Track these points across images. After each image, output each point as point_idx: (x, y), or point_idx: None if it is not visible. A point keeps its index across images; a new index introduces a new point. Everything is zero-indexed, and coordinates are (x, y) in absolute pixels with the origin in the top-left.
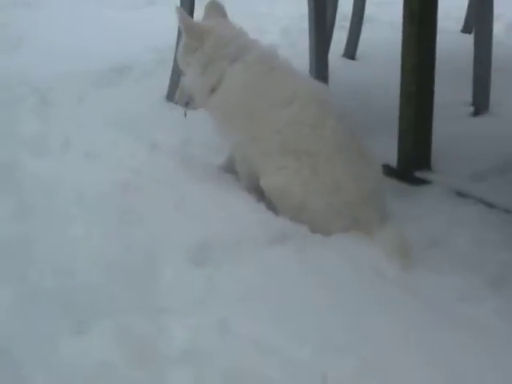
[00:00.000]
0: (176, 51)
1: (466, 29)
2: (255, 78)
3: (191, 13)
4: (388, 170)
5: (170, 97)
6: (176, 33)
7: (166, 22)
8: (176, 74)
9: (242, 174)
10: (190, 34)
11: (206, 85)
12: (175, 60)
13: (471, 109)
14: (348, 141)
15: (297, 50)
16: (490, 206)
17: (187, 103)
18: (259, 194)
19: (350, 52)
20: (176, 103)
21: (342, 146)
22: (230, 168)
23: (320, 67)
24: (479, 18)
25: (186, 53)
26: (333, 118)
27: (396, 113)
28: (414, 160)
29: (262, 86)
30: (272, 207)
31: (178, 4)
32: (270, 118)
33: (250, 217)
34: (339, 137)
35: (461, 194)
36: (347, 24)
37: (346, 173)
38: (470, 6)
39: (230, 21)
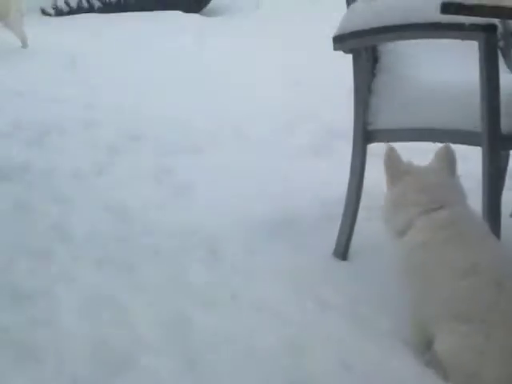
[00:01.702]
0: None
1: None
2: (438, 242)
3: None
4: None
5: (338, 253)
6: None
7: (332, 174)
8: (345, 230)
9: (412, 329)
10: (388, 172)
11: (392, 226)
12: (345, 215)
13: None
14: None
15: None
16: None
17: None
18: (427, 350)
19: None
20: None
21: None
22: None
23: (492, 226)
24: None
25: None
26: (509, 291)
27: None
28: None
29: (443, 252)
30: (440, 372)
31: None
32: (445, 285)
33: None
34: None
35: None
36: None
37: None
38: None
39: (452, 171)
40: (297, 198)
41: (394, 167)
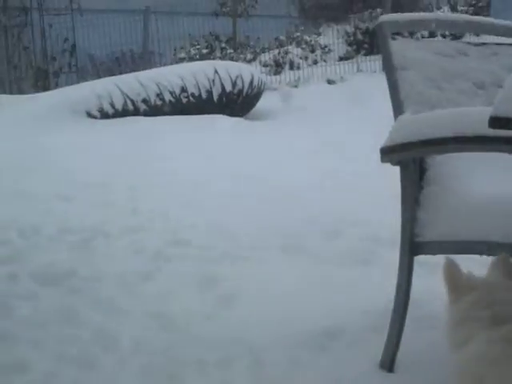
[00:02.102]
0: None
1: None
2: (496, 357)
3: None
4: None
5: (384, 365)
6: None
7: (377, 283)
8: (392, 341)
9: None
10: (449, 287)
11: (452, 340)
12: (391, 326)
13: None
14: None
15: None
16: None
17: None
18: None
19: None
20: None
21: None
22: None
23: None
24: None
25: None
26: None
27: None
28: None
29: (502, 368)
30: None
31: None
32: None
33: None
34: None
35: None
36: None
37: None
38: None
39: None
40: (341, 308)
41: (455, 282)
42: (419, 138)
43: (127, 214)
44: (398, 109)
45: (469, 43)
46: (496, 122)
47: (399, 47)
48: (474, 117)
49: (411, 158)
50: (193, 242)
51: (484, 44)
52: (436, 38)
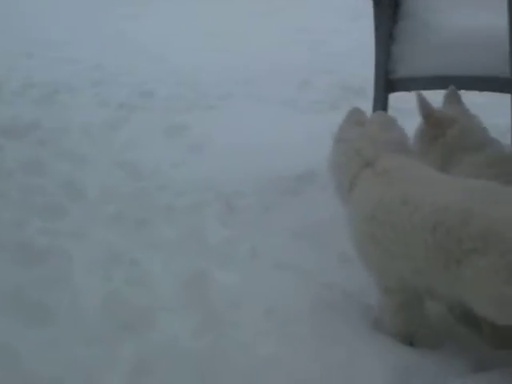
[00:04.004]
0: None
1: None
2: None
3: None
4: None
5: None
6: None
7: None
8: None
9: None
10: (430, 122)
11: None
12: None
13: None
14: None
15: None
16: None
17: None
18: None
19: None
20: None
21: None
22: None
23: None
24: None
25: (423, 140)
26: None
27: None
28: None
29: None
30: None
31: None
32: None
33: None
34: None
35: None
36: None
37: None
38: None
39: (470, 111)
40: (314, 154)
41: (433, 115)
42: None
43: (90, 68)
44: None
45: None
46: None
47: None
48: None
49: None
50: (159, 93)
51: None
52: None
